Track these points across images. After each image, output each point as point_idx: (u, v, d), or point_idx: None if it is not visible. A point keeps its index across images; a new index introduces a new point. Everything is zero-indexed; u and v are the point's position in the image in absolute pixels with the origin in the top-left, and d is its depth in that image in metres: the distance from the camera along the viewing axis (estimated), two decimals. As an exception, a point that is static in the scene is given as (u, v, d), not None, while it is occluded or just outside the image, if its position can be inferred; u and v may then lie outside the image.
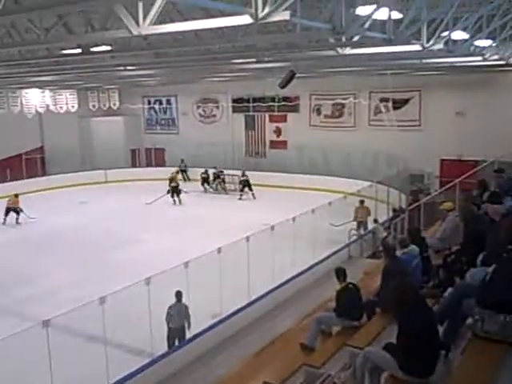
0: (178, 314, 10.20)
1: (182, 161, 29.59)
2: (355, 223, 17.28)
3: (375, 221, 16.87)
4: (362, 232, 17.03)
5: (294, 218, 13.75)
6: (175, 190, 24.72)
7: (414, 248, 8.44)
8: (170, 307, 10.22)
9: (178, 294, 10.26)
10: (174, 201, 24.64)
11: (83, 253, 17.19)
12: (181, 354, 9.68)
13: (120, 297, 9.21)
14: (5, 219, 21.77)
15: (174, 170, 27.32)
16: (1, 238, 19.47)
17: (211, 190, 27.17)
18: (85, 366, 9.38)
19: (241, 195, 25.58)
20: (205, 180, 27.65)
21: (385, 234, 15.87)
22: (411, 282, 6.82)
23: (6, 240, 19.11)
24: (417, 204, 15.14)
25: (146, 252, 16.75)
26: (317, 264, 13.82)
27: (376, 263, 11.96)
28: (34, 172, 29.47)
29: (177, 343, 10.23)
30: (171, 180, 25.05)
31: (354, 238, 16.12)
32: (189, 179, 29.22)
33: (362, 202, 17.84)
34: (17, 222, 21.84)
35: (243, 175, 26.12)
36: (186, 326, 10.31)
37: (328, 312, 7.90)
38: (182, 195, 24.86)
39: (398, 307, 5.63)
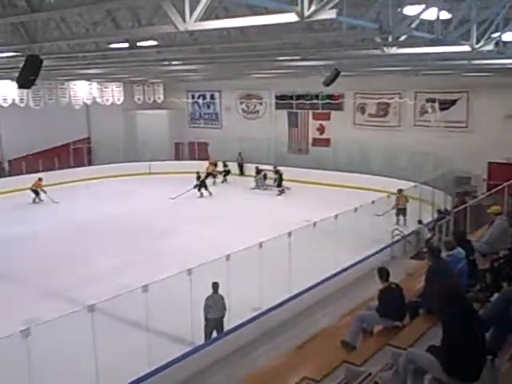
0: (215, 305, 10.26)
1: (240, 154, 29.76)
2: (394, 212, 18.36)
3: (419, 222, 16.63)
4: (401, 220, 18.59)
5: (336, 216, 13.68)
6: (203, 184, 24.93)
7: (459, 251, 8.32)
8: (207, 298, 10.30)
9: (215, 285, 10.31)
10: (202, 194, 24.72)
11: (126, 241, 17.56)
12: (221, 344, 9.77)
13: (162, 285, 9.33)
14: (34, 198, 23.69)
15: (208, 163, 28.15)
16: (47, 224, 20.01)
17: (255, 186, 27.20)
18: (127, 351, 9.57)
19: (279, 191, 25.58)
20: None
21: (429, 235, 15.65)
22: (458, 283, 6.72)
23: (53, 226, 19.61)
24: (463, 206, 14.89)
25: (187, 243, 16.97)
26: (359, 262, 13.72)
27: (419, 264, 11.82)
28: (81, 161, 30.25)
29: (215, 334, 10.30)
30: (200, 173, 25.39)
31: (398, 237, 15.92)
32: (243, 174, 29.50)
33: (400, 190, 19.02)
34: (33, 201, 23.80)
35: (276, 171, 26.17)
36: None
37: (370, 311, 7.86)
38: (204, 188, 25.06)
39: (443, 309, 5.56)
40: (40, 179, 24.25)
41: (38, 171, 26.95)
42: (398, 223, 18.24)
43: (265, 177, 26.79)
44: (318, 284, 12.21)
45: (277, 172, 26.25)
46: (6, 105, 25.21)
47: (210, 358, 9.33)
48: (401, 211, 18.78)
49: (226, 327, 10.26)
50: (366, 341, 7.59)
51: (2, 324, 10.46)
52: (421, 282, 8.29)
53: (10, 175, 27.11)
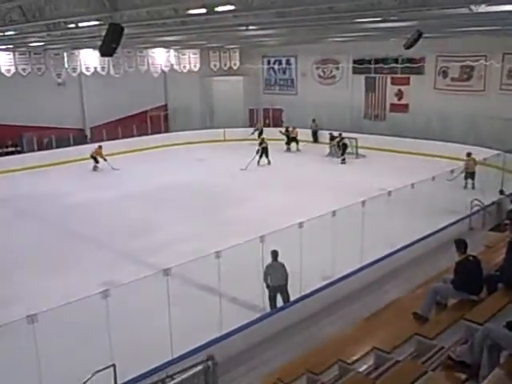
0: (275, 273, 10.26)
1: (314, 121, 29.44)
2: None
3: (501, 192, 15.83)
4: (469, 183, 18.89)
5: (412, 185, 13.26)
6: (264, 151, 24.46)
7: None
8: (266, 266, 10.30)
9: (274, 253, 10.28)
10: (259, 162, 24.30)
11: (200, 208, 17.93)
12: (291, 311, 9.83)
13: (235, 252, 9.45)
14: (94, 166, 24.43)
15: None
16: (124, 190, 20.65)
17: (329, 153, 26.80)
18: (199, 314, 9.84)
19: (343, 159, 25.14)
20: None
21: (511, 206, 14.91)
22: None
23: (129, 192, 20.22)
24: (550, 176, 14.04)
25: (259, 210, 17.11)
26: (434, 233, 13.29)
27: (500, 236, 11.32)
28: (158, 128, 30.90)
29: (280, 302, 10.36)
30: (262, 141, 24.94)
31: (477, 208, 15.26)
32: (317, 141, 29.16)
33: (469, 154, 19.29)
34: (93, 169, 24.39)
35: (341, 138, 25.65)
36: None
37: (445, 283, 7.62)
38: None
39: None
40: (100, 147, 24.62)
41: (117, 138, 27.98)
42: (466, 187, 18.77)
43: (338, 144, 26.22)
44: (390, 254, 11.95)
45: (341, 139, 25.72)
46: (88, 73, 26.07)
47: (279, 325, 9.40)
48: (469, 175, 18.98)
49: (296, 295, 10.28)
50: (439, 314, 7.37)
51: (82, 285, 11.06)
52: (500, 254, 7.94)
53: (91, 142, 28.11)
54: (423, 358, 6.28)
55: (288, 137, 28.29)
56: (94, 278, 11.77)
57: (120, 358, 7.41)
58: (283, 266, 10.27)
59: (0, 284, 12.33)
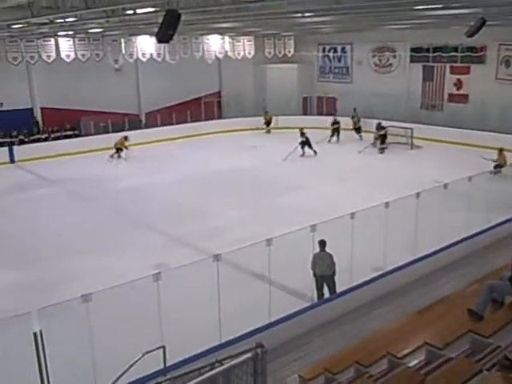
0: (321, 262, 10.17)
1: (354, 110, 29.08)
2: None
3: None
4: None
5: (470, 178, 12.85)
6: (307, 143, 24.00)
7: None
8: (314, 255, 10.22)
9: (322, 243, 10.17)
10: (303, 153, 23.97)
11: (251, 195, 17.99)
12: (341, 301, 9.73)
13: (285, 240, 9.42)
14: (112, 156, 24.08)
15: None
16: (176, 175, 20.92)
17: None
18: (249, 300, 9.90)
19: (381, 148, 24.73)
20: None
21: None
22: None
23: (181, 178, 20.48)
24: None
25: (311, 199, 17.02)
26: (491, 228, 12.85)
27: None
28: (211, 115, 31.13)
29: (326, 292, 10.30)
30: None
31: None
32: (359, 130, 28.59)
33: (501, 150, 19.65)
34: (114, 156, 24.08)
35: (380, 128, 25.17)
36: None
37: (503, 280, 7.36)
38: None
39: None
40: (125, 138, 24.28)
41: (171, 124, 28.32)
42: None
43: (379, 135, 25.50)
44: (444, 248, 11.63)
45: (382, 128, 25.20)
46: (144, 59, 26.49)
47: (328, 315, 9.33)
48: (498, 167, 18.73)
49: (346, 286, 10.16)
50: (494, 312, 7.13)
51: (134, 267, 11.31)
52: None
53: (145, 127, 28.61)
54: (477, 356, 6.08)
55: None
56: (146, 260, 12.02)
57: (170, 341, 7.54)
58: (331, 256, 10.17)
59: (55, 264, 12.76)
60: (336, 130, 27.24)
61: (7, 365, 7.92)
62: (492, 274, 8.23)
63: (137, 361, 6.99)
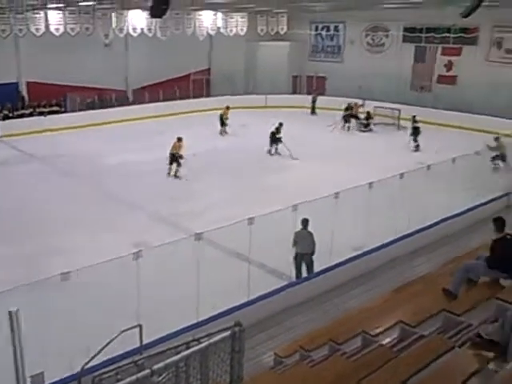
0: (302, 240, 10.19)
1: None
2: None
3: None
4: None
5: (453, 159, 12.84)
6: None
7: None
8: (295, 233, 10.24)
9: (304, 221, 10.17)
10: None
11: (237, 174, 17.87)
12: (319, 280, 9.78)
13: (268, 219, 9.39)
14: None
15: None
16: (163, 153, 20.29)
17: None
18: (228, 279, 9.84)
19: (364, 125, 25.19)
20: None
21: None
22: None
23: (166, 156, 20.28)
24: None
25: (296, 178, 17.06)
26: (470, 210, 12.94)
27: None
28: (200, 92, 30.84)
29: (304, 270, 10.33)
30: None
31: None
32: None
33: (496, 138, 17.82)
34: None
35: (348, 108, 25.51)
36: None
37: (478, 260, 7.38)
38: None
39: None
40: (179, 139, 18.81)
41: (158, 101, 27.93)
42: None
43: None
44: (423, 229, 11.73)
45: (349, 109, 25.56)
46: (135, 34, 26.03)
47: (305, 294, 9.39)
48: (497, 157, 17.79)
49: (326, 265, 10.17)
50: (469, 291, 7.15)
51: (114, 245, 11.19)
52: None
53: (133, 103, 28.29)
54: (450, 333, 6.13)
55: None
56: (128, 238, 11.90)
57: (148, 319, 7.52)
58: (311, 234, 10.18)
59: (37, 239, 12.68)
60: (350, 115, 25.97)
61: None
62: (468, 254, 8.26)
63: (113, 339, 6.96)
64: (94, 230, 13.16)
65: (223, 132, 24.62)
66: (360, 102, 26.52)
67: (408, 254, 10.87)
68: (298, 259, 10.31)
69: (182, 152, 17.98)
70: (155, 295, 9.01)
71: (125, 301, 8.59)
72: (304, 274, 10.29)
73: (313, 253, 10.21)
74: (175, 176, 17.86)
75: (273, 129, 21.02)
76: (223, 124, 24.63)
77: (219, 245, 10.68)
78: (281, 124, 21.12)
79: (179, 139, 18.34)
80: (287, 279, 10.02)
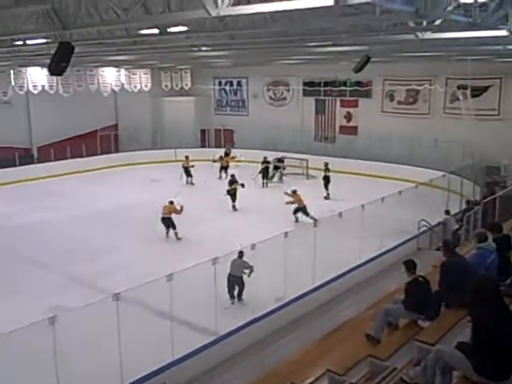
0: (235, 266, 11.63)
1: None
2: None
3: (447, 212, 16.29)
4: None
5: (363, 206, 13.47)
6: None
7: (490, 243, 8.09)
8: (231, 261, 11.59)
9: (240, 253, 11.61)
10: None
11: (151, 229, 17.57)
12: (244, 334, 9.74)
13: (187, 274, 9.30)
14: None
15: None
16: (70, 212, 20.08)
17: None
18: (151, 338, 9.58)
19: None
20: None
21: (456, 226, 15.35)
22: (491, 277, 6.50)
23: (76, 214, 19.70)
24: (492, 197, 14.54)
25: (212, 232, 16.99)
26: (384, 254, 13.54)
27: (445, 256, 11.55)
28: (108, 148, 30.34)
29: (236, 293, 11.77)
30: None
31: (424, 228, 15.63)
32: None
33: (294, 191, 18.80)
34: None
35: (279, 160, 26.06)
36: (245, 276, 11.70)
37: (396, 304, 7.71)
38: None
39: (474, 304, 5.35)
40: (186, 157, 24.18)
41: (65, 158, 27.23)
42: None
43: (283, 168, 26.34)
44: (341, 275, 12.10)
45: (279, 161, 26.11)
46: (35, 91, 25.52)
47: (232, 348, 9.30)
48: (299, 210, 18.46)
49: (250, 317, 10.18)
50: (390, 335, 7.43)
51: (28, 310, 10.62)
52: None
53: (38, 162, 27.38)
54: (377, 379, 6.28)
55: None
56: (42, 302, 11.38)
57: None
58: (244, 261, 11.60)
59: None
60: (267, 169, 25.49)
61: None
62: (386, 297, 8.59)
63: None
64: (4, 295, 12.36)
65: (189, 183, 24.68)
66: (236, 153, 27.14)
67: (329, 302, 11.13)
68: (232, 281, 11.75)
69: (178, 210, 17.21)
70: (75, 362, 8.59)
71: (42, 370, 8.07)
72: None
73: (242, 276, 11.71)
74: (177, 238, 16.98)
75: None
76: (189, 174, 24.75)
77: (139, 304, 10.39)
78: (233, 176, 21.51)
79: (171, 202, 17.51)
80: (212, 334, 9.87)
